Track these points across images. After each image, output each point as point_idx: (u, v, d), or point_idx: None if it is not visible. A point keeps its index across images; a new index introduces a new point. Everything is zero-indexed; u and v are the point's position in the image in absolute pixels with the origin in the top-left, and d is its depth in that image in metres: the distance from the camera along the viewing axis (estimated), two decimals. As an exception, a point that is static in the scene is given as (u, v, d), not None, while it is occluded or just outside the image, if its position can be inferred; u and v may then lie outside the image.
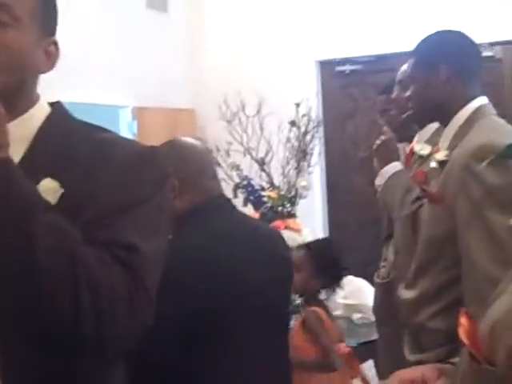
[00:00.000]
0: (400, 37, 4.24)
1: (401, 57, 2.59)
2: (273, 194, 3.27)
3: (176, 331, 1.63)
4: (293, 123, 3.40)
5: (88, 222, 1.08)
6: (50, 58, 1.19)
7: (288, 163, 3.37)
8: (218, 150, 3.41)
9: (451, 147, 1.96)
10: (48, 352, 1.07)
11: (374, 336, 3.10)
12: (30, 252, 0.99)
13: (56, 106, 1.24)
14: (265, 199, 3.26)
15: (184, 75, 4.93)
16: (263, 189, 3.32)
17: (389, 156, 2.26)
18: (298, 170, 3.35)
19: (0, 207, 1.00)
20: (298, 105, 3.42)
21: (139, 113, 4.44)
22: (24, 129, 1.16)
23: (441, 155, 1.97)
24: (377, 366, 3.01)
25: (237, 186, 3.29)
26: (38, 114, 1.19)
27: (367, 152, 2.35)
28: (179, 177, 1.75)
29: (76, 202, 1.09)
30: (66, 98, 3.76)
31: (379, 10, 4.68)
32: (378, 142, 2.32)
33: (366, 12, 4.71)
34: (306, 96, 3.84)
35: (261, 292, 1.76)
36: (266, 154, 3.42)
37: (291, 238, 3.19)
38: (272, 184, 3.36)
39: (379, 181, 2.27)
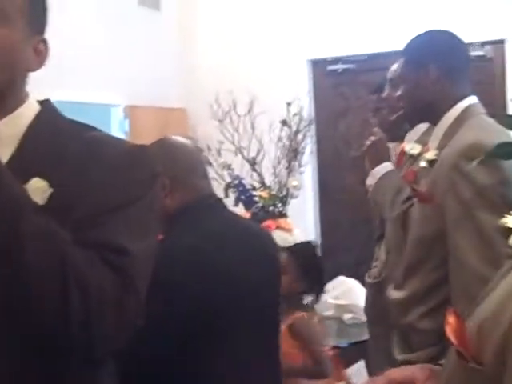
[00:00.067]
0: (392, 36, 4.25)
1: (393, 56, 2.59)
2: (264, 194, 3.27)
3: (171, 332, 1.62)
4: (284, 122, 3.40)
5: (78, 221, 1.07)
6: (40, 56, 1.19)
7: (279, 163, 3.37)
8: (210, 149, 3.41)
9: (441, 146, 1.96)
10: (37, 352, 1.06)
11: (365, 336, 3.10)
12: (18, 254, 0.99)
13: (45, 104, 1.23)
14: (256, 199, 3.26)
15: (176, 74, 4.93)
16: (254, 188, 3.31)
17: (379, 156, 2.26)
18: (289, 170, 3.35)
19: None
20: (289, 104, 3.42)
21: (131, 111, 4.43)
22: (13, 127, 1.16)
23: (430, 154, 1.98)
24: (368, 366, 3.01)
25: (228, 186, 3.29)
26: (28, 112, 1.19)
27: (359, 151, 2.35)
28: (170, 175, 1.75)
29: (65, 201, 1.09)
30: (58, 96, 3.77)
31: (371, 9, 4.68)
32: (368, 142, 2.32)
33: (357, 11, 4.71)
34: (298, 95, 3.84)
35: (254, 292, 1.77)
36: (258, 154, 3.42)
37: (282, 238, 3.19)
38: (263, 184, 3.35)
39: (370, 181, 2.27)
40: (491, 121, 1.98)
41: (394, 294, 2.06)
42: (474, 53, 4.41)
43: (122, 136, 4.29)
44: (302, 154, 3.42)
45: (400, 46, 2.13)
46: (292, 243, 3.23)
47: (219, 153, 3.41)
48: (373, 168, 2.34)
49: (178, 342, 1.63)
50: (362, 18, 4.69)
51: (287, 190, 3.32)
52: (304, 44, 4.83)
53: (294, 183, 3.31)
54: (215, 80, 4.69)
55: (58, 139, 1.17)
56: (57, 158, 1.13)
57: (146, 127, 4.32)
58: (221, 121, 3.59)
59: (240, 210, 3.20)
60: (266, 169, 3.40)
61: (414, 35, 2.10)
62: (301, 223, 3.82)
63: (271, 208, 3.29)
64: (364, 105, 4.79)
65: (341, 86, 4.93)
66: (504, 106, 4.16)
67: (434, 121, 2.03)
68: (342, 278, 3.75)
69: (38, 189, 1.08)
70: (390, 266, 2.22)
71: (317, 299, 3.01)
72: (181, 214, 1.76)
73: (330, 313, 3.57)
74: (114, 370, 1.23)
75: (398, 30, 4.21)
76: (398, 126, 2.57)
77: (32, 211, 1.02)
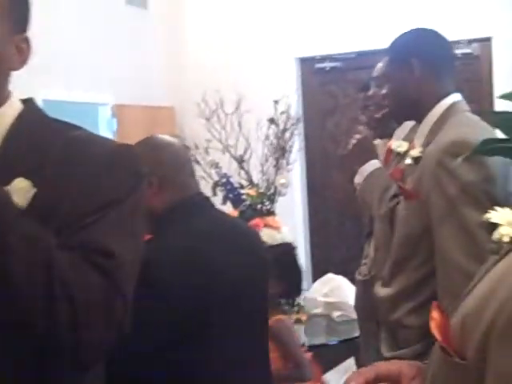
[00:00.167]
0: (379, 34, 4.26)
1: (380, 54, 2.60)
2: (252, 192, 3.27)
3: (163, 332, 1.62)
4: (272, 120, 3.40)
5: (62, 223, 1.06)
6: (22, 54, 1.17)
7: (267, 161, 3.37)
8: (197, 147, 3.40)
9: (426, 144, 1.97)
10: (23, 356, 1.05)
11: (355, 333, 3.11)
12: (3, 260, 0.98)
13: (28, 103, 1.21)
14: (244, 197, 3.26)
15: (163, 73, 4.92)
16: (242, 186, 3.31)
17: (366, 154, 2.26)
18: (277, 168, 3.35)
19: None
20: (276, 102, 3.42)
21: (118, 110, 4.43)
22: None
23: (415, 152, 1.99)
24: (358, 363, 3.02)
25: (216, 184, 3.28)
26: (10, 111, 1.17)
27: (346, 150, 2.35)
28: (157, 175, 1.74)
29: (49, 201, 1.07)
30: (46, 95, 3.77)
31: (359, 8, 4.69)
32: (353, 141, 2.33)
33: (345, 9, 4.72)
34: (286, 93, 3.84)
35: (243, 291, 1.76)
36: (245, 152, 3.41)
37: (270, 236, 3.19)
38: (251, 182, 3.35)
39: (358, 179, 2.27)
40: (475, 118, 2.00)
41: (382, 291, 2.07)
42: (461, 51, 4.44)
43: (109, 135, 4.28)
44: (290, 152, 3.42)
45: (388, 44, 2.14)
46: (280, 241, 3.23)
47: (207, 151, 3.41)
48: (360, 166, 2.34)
49: (171, 343, 1.62)
50: (350, 16, 4.70)
51: (275, 187, 3.32)
52: (292, 42, 4.83)
53: (282, 181, 3.31)
54: (203, 78, 4.68)
55: (42, 138, 1.15)
56: (40, 158, 1.12)
57: (133, 126, 4.32)
58: (208, 119, 3.58)
59: (228, 209, 3.20)
60: (254, 167, 3.40)
61: (401, 33, 2.11)
62: (289, 221, 3.83)
63: (259, 206, 3.29)
64: (352, 103, 4.81)
65: (329, 84, 4.94)
66: (491, 103, 4.19)
67: (419, 118, 2.04)
68: (330, 276, 3.76)
69: (21, 189, 1.07)
70: (378, 263, 2.23)
71: (293, 302, 2.99)
72: (169, 213, 1.75)
73: (318, 310, 3.58)
74: (102, 373, 1.22)
75: (385, 28, 4.22)
76: (384, 123, 2.58)
77: (15, 216, 1.01)
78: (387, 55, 2.16)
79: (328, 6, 4.76)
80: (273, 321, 2.73)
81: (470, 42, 4.50)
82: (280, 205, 3.43)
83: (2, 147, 1.13)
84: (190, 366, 1.66)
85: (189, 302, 1.63)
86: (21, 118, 1.17)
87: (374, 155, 2.29)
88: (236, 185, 3.29)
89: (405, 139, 2.15)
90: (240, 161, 3.38)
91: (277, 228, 3.27)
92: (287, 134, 3.39)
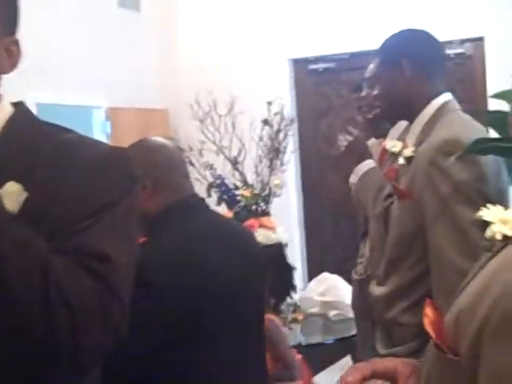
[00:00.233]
0: (372, 34, 4.27)
1: (374, 54, 2.60)
2: (246, 193, 3.27)
3: (159, 334, 1.62)
4: (265, 122, 3.40)
5: (55, 228, 1.05)
6: (12, 57, 1.15)
7: (261, 161, 3.37)
8: (191, 149, 3.40)
9: (418, 143, 1.98)
10: (21, 365, 1.04)
11: (351, 332, 3.12)
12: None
13: (19, 106, 1.19)
14: (238, 198, 3.26)
15: (156, 75, 4.92)
16: (237, 188, 3.31)
17: (359, 154, 2.27)
18: (271, 169, 3.35)
19: None
20: (270, 103, 3.43)
21: (112, 113, 4.42)
22: None
23: (408, 151, 2.00)
24: (354, 361, 3.02)
25: (210, 186, 3.29)
26: (1, 114, 1.15)
27: (338, 151, 2.36)
28: (152, 177, 1.74)
29: (41, 205, 1.06)
30: (39, 99, 3.76)
31: (351, 9, 4.70)
32: (343, 142, 2.33)
33: (338, 10, 4.73)
34: (279, 95, 3.85)
35: (240, 292, 1.76)
36: (239, 153, 3.42)
37: (266, 237, 3.19)
38: (245, 183, 3.35)
39: (353, 179, 2.28)
40: (467, 117, 2.01)
41: (377, 290, 2.08)
42: (454, 51, 4.45)
43: (103, 138, 4.28)
44: (284, 152, 3.43)
45: (381, 44, 2.15)
46: (275, 241, 3.23)
47: (201, 153, 3.41)
48: (355, 166, 2.34)
49: (166, 345, 1.62)
50: (343, 17, 4.71)
51: (269, 188, 3.33)
52: (285, 43, 4.84)
53: (276, 182, 3.31)
54: (196, 80, 4.69)
55: (33, 142, 1.14)
56: (31, 161, 1.10)
57: (127, 128, 4.32)
58: (202, 121, 3.58)
59: (223, 210, 3.20)
60: (248, 168, 3.40)
61: (391, 34, 2.12)
62: (284, 221, 3.83)
63: (254, 207, 3.29)
64: (345, 104, 4.82)
65: (322, 85, 4.95)
66: (485, 103, 4.20)
67: (411, 118, 2.05)
68: (326, 275, 3.76)
69: (12, 193, 1.05)
70: (373, 262, 2.23)
71: (282, 302, 2.98)
72: (163, 215, 1.75)
73: (315, 310, 3.58)
74: (99, 376, 1.22)
75: (378, 28, 4.23)
76: (376, 124, 2.59)
77: (6, 221, 1.00)
78: (378, 56, 2.17)
79: (321, 7, 4.77)
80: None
81: (463, 41, 4.51)
82: (275, 205, 3.43)
83: None
84: (184, 367, 1.66)
85: (184, 303, 1.63)
86: (11, 121, 1.15)
87: (367, 155, 2.29)
88: (230, 186, 3.29)
89: (399, 139, 2.16)
90: (234, 162, 3.38)
91: (272, 228, 3.27)
92: (281, 135, 3.40)
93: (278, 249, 3.08)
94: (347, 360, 3.16)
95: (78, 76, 4.16)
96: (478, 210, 0.99)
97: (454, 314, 0.87)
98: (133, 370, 1.61)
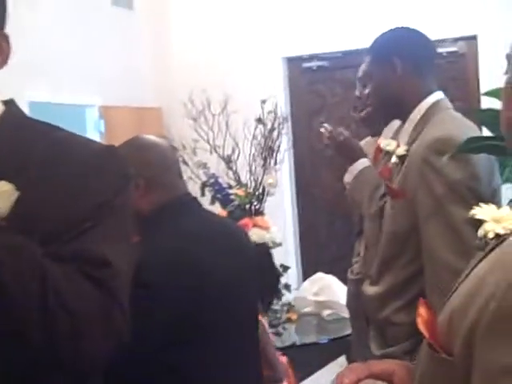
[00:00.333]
0: (366, 33, 4.26)
1: (367, 53, 2.61)
2: (240, 192, 3.26)
3: (155, 336, 1.61)
4: (259, 120, 3.40)
5: (51, 230, 1.03)
6: (2, 53, 1.12)
7: (255, 160, 3.36)
8: (185, 147, 3.39)
9: (410, 142, 1.98)
10: (21, 371, 1.03)
11: (345, 332, 3.12)
12: None
13: (9, 104, 1.17)
14: (232, 197, 3.25)
15: (150, 73, 4.91)
16: (230, 187, 3.30)
17: (352, 154, 2.26)
18: (265, 168, 3.35)
19: None
20: (263, 101, 3.42)
21: (106, 112, 4.42)
22: None
23: (400, 150, 2.00)
24: (349, 361, 3.02)
25: (204, 185, 3.27)
26: None
27: (331, 152, 2.35)
28: (145, 176, 1.73)
29: (34, 205, 1.04)
30: (32, 97, 3.74)
31: (345, 7, 4.70)
32: (325, 141, 2.32)
33: (331, 8, 4.73)
34: (273, 93, 3.84)
35: (234, 292, 1.76)
36: (233, 152, 3.41)
37: (260, 236, 3.19)
38: (239, 182, 3.34)
39: (347, 178, 2.27)
40: (458, 115, 2.01)
41: (370, 289, 2.08)
42: (447, 49, 4.46)
43: (97, 136, 4.27)
44: (278, 151, 3.42)
45: (372, 42, 2.15)
46: (269, 241, 3.23)
47: (194, 152, 3.39)
48: (348, 166, 2.34)
49: (161, 345, 1.61)
50: (336, 15, 4.71)
51: (263, 187, 3.32)
52: (278, 41, 4.84)
53: (270, 181, 3.30)
54: (189, 79, 4.68)
55: (24, 140, 1.12)
56: (23, 160, 1.08)
57: (121, 127, 4.31)
58: (195, 119, 3.57)
59: (216, 209, 3.19)
60: (242, 166, 3.40)
61: (382, 33, 2.12)
62: (278, 221, 3.83)
63: (248, 206, 3.28)
64: (339, 102, 4.82)
65: (316, 84, 4.95)
66: (477, 101, 4.20)
67: (403, 117, 2.05)
68: (320, 275, 3.76)
69: (4, 192, 1.04)
70: (367, 262, 2.23)
71: (267, 306, 2.96)
72: (157, 214, 1.74)
73: (309, 309, 3.57)
74: (101, 381, 1.21)
75: (372, 26, 4.22)
76: (369, 122, 2.59)
77: (9, 234, 0.98)
78: (369, 54, 2.17)
79: (314, 5, 4.77)
80: None
81: (456, 40, 4.52)
82: (269, 205, 3.42)
83: None
84: (181, 367, 1.66)
85: (178, 303, 1.62)
86: (2, 119, 1.14)
87: (360, 154, 2.29)
88: (224, 185, 3.28)
89: (393, 138, 2.16)
90: (228, 161, 3.37)
91: (266, 228, 3.26)
92: (275, 134, 3.39)
93: (263, 249, 3.06)
94: (342, 360, 3.16)
95: (72, 74, 4.15)
96: (472, 209, 0.99)
97: (447, 313, 0.87)
98: (131, 370, 1.60)
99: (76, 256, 1.03)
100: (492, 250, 0.89)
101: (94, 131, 4.35)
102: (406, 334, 1.89)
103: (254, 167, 3.38)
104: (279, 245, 3.31)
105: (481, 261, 0.89)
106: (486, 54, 4.39)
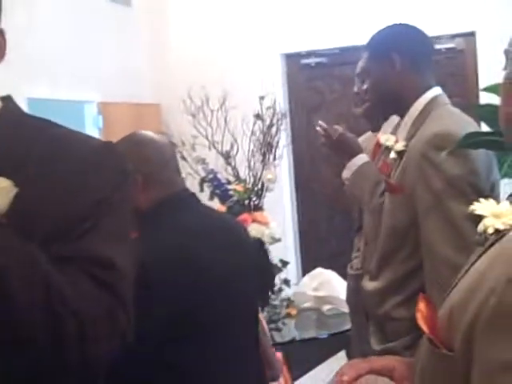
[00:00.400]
0: (365, 29, 4.26)
1: (365, 49, 2.61)
2: (239, 188, 3.26)
3: (153, 333, 1.60)
4: (257, 116, 3.39)
5: (52, 228, 1.02)
6: None
7: (253, 156, 3.36)
8: (184, 144, 3.39)
9: (408, 138, 1.99)
10: (26, 376, 1.02)
11: (345, 327, 3.12)
12: (3, 289, 0.94)
13: (7, 101, 1.16)
14: (231, 193, 3.25)
15: (148, 69, 4.91)
16: (229, 182, 3.30)
17: (349, 150, 2.26)
18: (264, 163, 3.34)
19: None
20: (262, 98, 3.42)
21: (104, 108, 4.41)
22: None
23: (399, 146, 2.00)
24: (348, 356, 3.03)
25: (203, 180, 3.27)
26: None
27: (327, 149, 2.35)
28: (143, 172, 1.72)
29: (33, 201, 1.03)
30: (31, 94, 3.73)
31: (343, 3, 4.70)
32: (321, 139, 2.32)
33: (330, 4, 4.72)
34: (272, 89, 3.84)
35: (233, 287, 1.75)
36: (231, 148, 3.41)
37: (259, 232, 3.18)
38: (238, 177, 3.34)
39: (346, 173, 2.26)
40: (457, 111, 2.01)
41: (369, 284, 2.08)
42: (446, 45, 4.46)
43: (96, 133, 4.27)
44: (277, 147, 3.42)
45: (369, 39, 2.15)
46: (269, 236, 3.22)
47: (193, 147, 3.39)
48: (346, 162, 2.33)
49: (160, 342, 1.61)
50: (335, 11, 4.70)
51: (262, 183, 3.31)
52: (277, 38, 4.83)
53: (269, 176, 3.30)
54: (188, 75, 4.67)
55: (22, 137, 1.11)
56: (21, 157, 1.07)
57: (119, 123, 4.30)
58: (194, 115, 3.57)
59: (215, 204, 3.19)
60: (241, 162, 3.40)
61: (379, 29, 2.12)
62: (277, 216, 3.83)
63: (247, 202, 3.28)
64: (338, 98, 4.82)
65: (314, 80, 4.95)
66: (476, 97, 4.20)
67: (401, 113, 2.05)
68: (319, 270, 3.75)
69: (2, 188, 1.02)
70: (366, 257, 2.23)
71: (266, 300, 2.95)
72: (155, 210, 1.73)
73: (308, 304, 3.57)
74: (102, 381, 1.20)
75: (370, 23, 4.23)
76: (368, 118, 2.58)
77: (13, 244, 0.97)
78: (367, 50, 2.17)
79: (312, 1, 4.76)
80: None
81: (455, 36, 4.52)
82: (268, 200, 3.42)
83: None
84: (179, 363, 1.65)
85: (177, 299, 1.62)
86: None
87: (358, 150, 2.28)
88: (223, 181, 3.28)
89: (392, 133, 2.16)
90: (226, 157, 3.37)
91: (265, 223, 3.26)
92: (273, 130, 3.39)
93: (256, 245, 3.04)
94: (342, 355, 3.16)
95: (70, 70, 4.14)
96: (471, 204, 0.99)
97: (447, 309, 0.87)
98: (130, 367, 1.59)
99: (80, 257, 1.02)
100: (492, 245, 0.89)
101: (92, 127, 4.35)
102: (406, 328, 1.89)
103: (252, 163, 3.38)
104: (278, 240, 3.31)
105: (480, 256, 0.89)
106: (485, 49, 4.38)
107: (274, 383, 2.56)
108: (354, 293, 2.53)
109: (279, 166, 3.60)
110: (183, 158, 3.29)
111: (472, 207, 0.98)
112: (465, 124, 1.91)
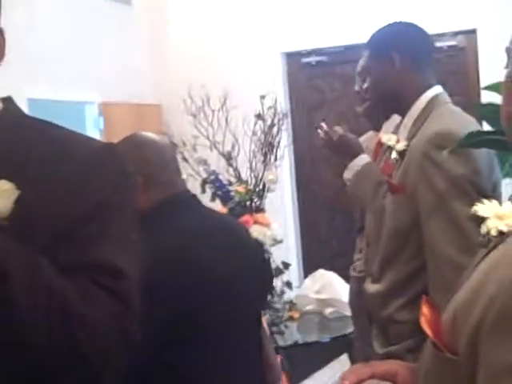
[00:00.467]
0: (365, 27, 4.25)
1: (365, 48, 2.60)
2: (240, 189, 3.25)
3: (155, 334, 1.59)
4: (258, 116, 3.39)
5: (52, 234, 1.01)
6: None
7: (255, 157, 3.36)
8: (185, 144, 3.38)
9: (410, 137, 1.98)
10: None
11: (347, 330, 3.11)
12: (5, 294, 0.94)
13: (7, 102, 1.15)
14: (232, 194, 3.24)
15: (149, 69, 4.90)
16: (231, 183, 3.30)
17: (350, 150, 2.24)
18: (265, 164, 3.34)
19: None
20: (263, 97, 3.41)
21: (105, 109, 4.40)
22: None
23: (400, 145, 1.99)
24: (351, 359, 3.02)
25: (204, 182, 3.27)
26: None
27: (327, 151, 2.34)
28: (144, 173, 1.71)
29: (35, 204, 1.03)
30: (32, 94, 3.72)
31: (344, 1, 4.69)
32: (321, 139, 2.31)
33: (330, 3, 4.71)
34: (272, 89, 3.83)
35: (236, 289, 1.75)
36: (233, 148, 3.40)
37: (260, 233, 3.18)
38: (239, 178, 3.34)
39: (348, 174, 2.25)
40: (458, 109, 2.00)
41: (372, 287, 2.07)
42: (447, 43, 4.45)
43: (96, 133, 4.26)
44: (278, 147, 3.41)
45: (370, 37, 2.14)
46: (270, 237, 3.22)
47: (194, 148, 3.39)
48: (347, 162, 2.32)
49: (161, 344, 1.61)
50: (336, 9, 4.69)
51: (264, 184, 3.31)
52: (277, 37, 4.82)
53: (271, 177, 3.29)
54: (188, 74, 4.66)
55: (23, 139, 1.10)
56: (23, 159, 1.07)
57: (120, 124, 4.30)
58: (195, 115, 3.56)
59: (217, 206, 3.19)
60: (242, 163, 3.39)
61: (380, 27, 2.11)
62: (279, 217, 3.82)
63: (248, 203, 3.27)
64: (339, 97, 4.81)
65: (315, 79, 4.93)
66: (477, 95, 4.19)
67: (402, 112, 2.04)
68: (321, 272, 3.75)
69: (4, 191, 1.02)
70: (368, 259, 2.22)
71: (265, 302, 2.93)
72: (156, 212, 1.72)
73: (310, 307, 3.57)
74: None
75: (370, 21, 4.21)
76: (369, 117, 2.58)
77: (15, 249, 0.96)
78: (367, 49, 2.16)
79: (313, 0, 4.75)
80: None
81: (456, 34, 4.51)
82: (269, 201, 3.42)
83: None
84: (180, 365, 1.65)
85: (177, 300, 1.62)
86: (0, 118, 1.12)
87: (359, 150, 2.27)
88: (225, 182, 3.27)
89: (394, 132, 2.15)
90: (228, 157, 3.36)
91: (267, 225, 3.25)
92: (274, 130, 3.38)
93: (259, 247, 3.03)
94: (344, 358, 3.15)
95: (70, 71, 4.14)
96: (474, 204, 0.98)
97: (451, 312, 0.86)
98: (130, 368, 1.58)
99: (88, 265, 1.01)
100: (495, 247, 0.88)
101: (93, 128, 4.34)
102: (409, 331, 1.87)
103: (254, 163, 3.37)
104: (280, 242, 3.30)
105: (484, 258, 0.88)
106: (486, 47, 4.37)
107: None
108: (357, 295, 2.52)
109: (280, 166, 3.59)
110: (184, 159, 3.29)
111: (474, 208, 0.97)
112: (466, 123, 1.90)
